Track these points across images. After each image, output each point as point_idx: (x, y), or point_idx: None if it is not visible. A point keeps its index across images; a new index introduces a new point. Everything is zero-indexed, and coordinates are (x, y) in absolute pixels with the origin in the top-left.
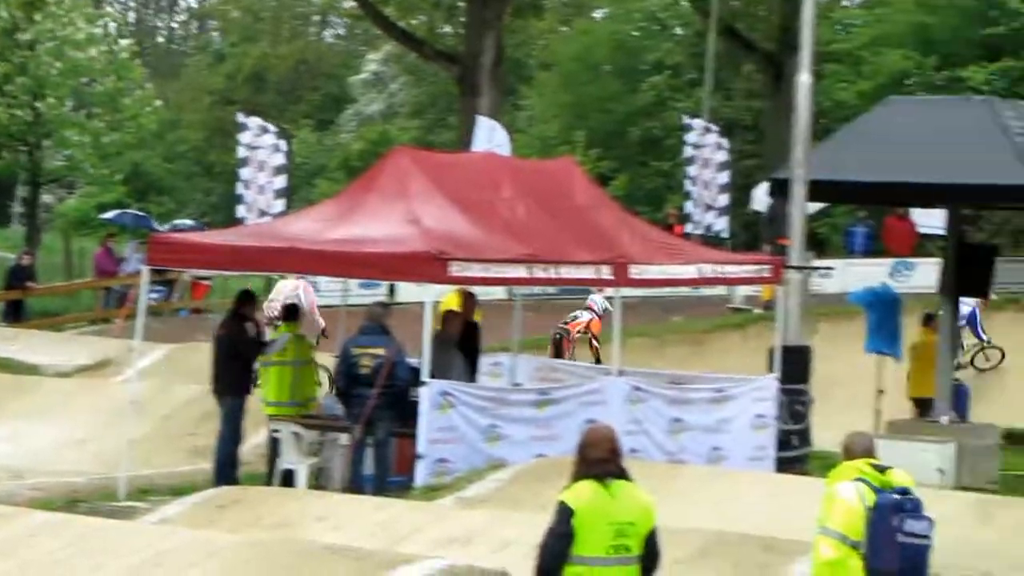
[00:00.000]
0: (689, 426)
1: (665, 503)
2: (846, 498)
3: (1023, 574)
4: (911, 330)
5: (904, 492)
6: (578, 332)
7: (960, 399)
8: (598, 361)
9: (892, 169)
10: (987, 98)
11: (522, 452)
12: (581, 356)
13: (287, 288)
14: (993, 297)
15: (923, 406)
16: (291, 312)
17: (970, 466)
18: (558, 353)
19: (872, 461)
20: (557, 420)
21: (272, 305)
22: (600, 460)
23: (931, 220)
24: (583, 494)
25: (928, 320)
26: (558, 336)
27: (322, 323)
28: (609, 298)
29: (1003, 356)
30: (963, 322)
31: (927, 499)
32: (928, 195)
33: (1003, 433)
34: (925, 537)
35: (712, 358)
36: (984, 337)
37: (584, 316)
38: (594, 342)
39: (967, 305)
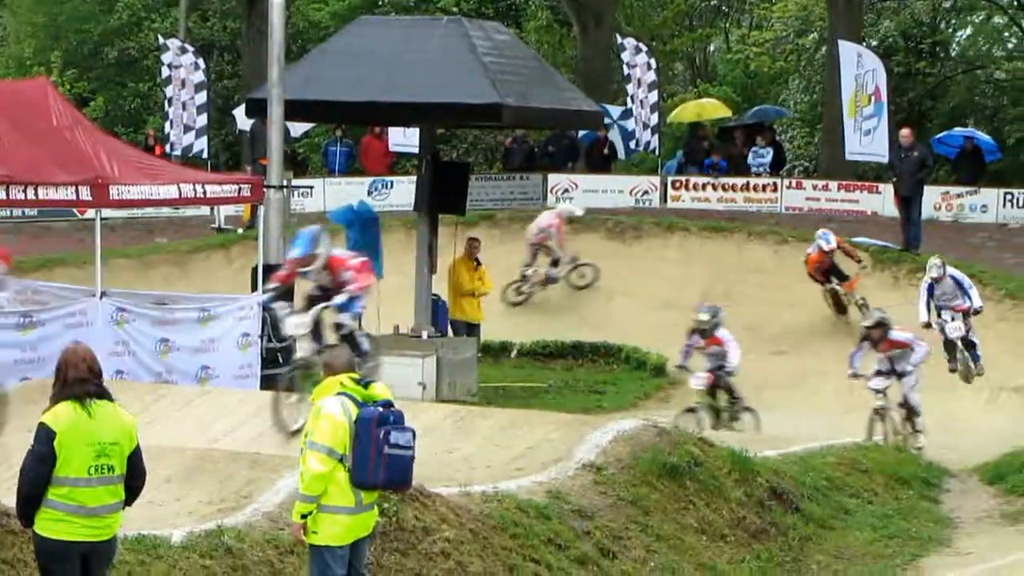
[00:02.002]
0: (176, 346)
1: (153, 423)
2: (331, 413)
3: (499, 480)
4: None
5: (387, 405)
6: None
7: (439, 313)
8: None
9: (365, 88)
10: (457, 18)
11: (8, 376)
12: None
13: None
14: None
15: (456, 328)
16: None
17: (450, 379)
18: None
19: (354, 376)
20: (42, 343)
21: None
22: (79, 380)
23: (407, 139)
24: (63, 415)
25: (469, 246)
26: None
27: None
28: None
29: (597, 274)
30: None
31: (409, 412)
32: (401, 114)
33: (480, 347)
34: (408, 448)
35: (197, 278)
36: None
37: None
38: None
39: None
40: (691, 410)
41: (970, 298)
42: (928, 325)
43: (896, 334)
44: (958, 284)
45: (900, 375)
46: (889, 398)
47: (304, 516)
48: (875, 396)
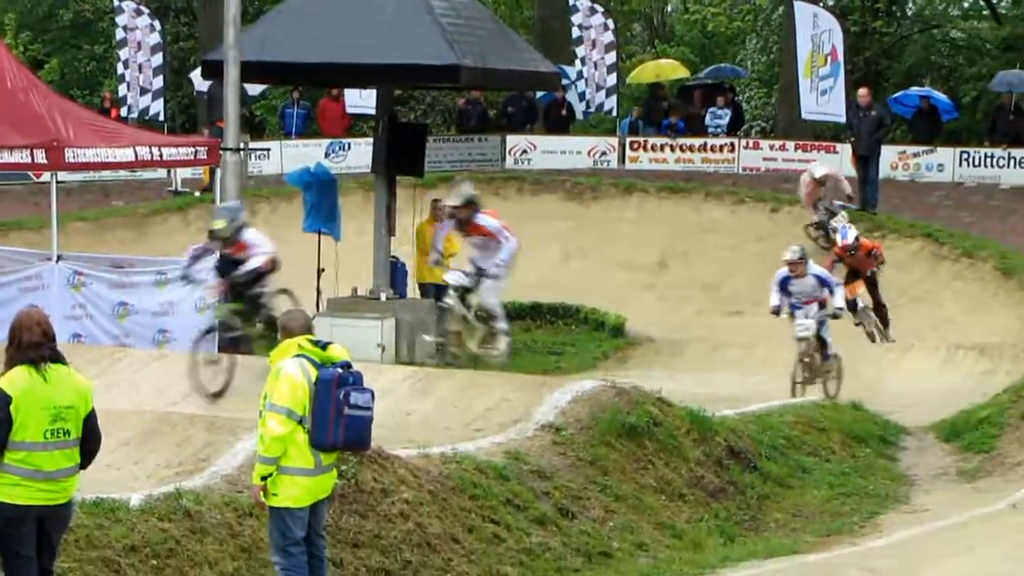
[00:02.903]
0: (135, 310)
1: (111, 387)
2: (291, 374)
3: (458, 442)
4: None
5: (345, 366)
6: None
7: (398, 275)
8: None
9: (322, 49)
10: None
11: None
12: None
13: None
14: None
15: (425, 291)
16: None
17: (408, 341)
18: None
19: (311, 338)
20: None
21: None
22: (33, 344)
23: (363, 100)
24: (18, 380)
25: (434, 207)
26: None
27: None
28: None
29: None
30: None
31: (368, 374)
32: (358, 75)
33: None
34: (368, 409)
35: (154, 242)
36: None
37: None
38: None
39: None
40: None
41: (833, 296)
42: (777, 311)
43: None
44: (822, 282)
45: None
46: None
47: (264, 478)
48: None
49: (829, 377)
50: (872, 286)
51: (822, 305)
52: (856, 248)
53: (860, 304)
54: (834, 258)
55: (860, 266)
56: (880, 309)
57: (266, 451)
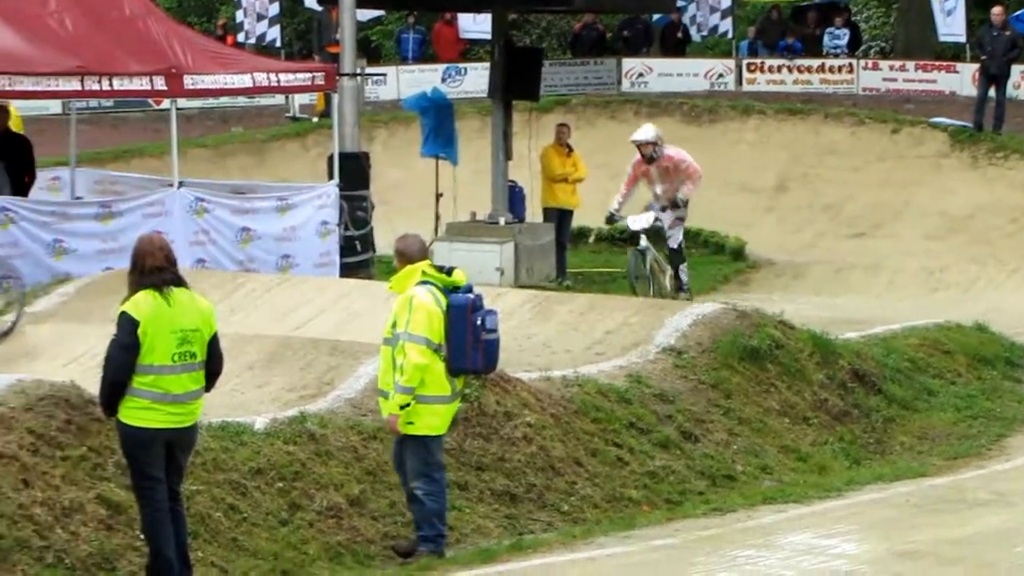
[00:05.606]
0: (257, 235)
1: (235, 311)
2: (425, 303)
3: (579, 365)
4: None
5: (468, 290)
6: None
7: (515, 200)
8: None
9: None
10: None
11: (90, 266)
12: None
13: None
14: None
15: (548, 215)
16: None
17: (527, 265)
18: None
19: (432, 263)
20: (122, 233)
21: None
22: (156, 269)
23: (477, 25)
24: (144, 304)
25: (559, 132)
26: None
27: None
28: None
29: None
30: None
31: (488, 297)
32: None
33: (573, 233)
34: (497, 331)
35: (274, 167)
36: None
37: None
38: None
39: None
40: None
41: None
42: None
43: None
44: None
45: None
46: None
47: (403, 407)
48: None
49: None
50: None
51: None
52: None
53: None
54: None
55: None
56: None
57: (407, 381)
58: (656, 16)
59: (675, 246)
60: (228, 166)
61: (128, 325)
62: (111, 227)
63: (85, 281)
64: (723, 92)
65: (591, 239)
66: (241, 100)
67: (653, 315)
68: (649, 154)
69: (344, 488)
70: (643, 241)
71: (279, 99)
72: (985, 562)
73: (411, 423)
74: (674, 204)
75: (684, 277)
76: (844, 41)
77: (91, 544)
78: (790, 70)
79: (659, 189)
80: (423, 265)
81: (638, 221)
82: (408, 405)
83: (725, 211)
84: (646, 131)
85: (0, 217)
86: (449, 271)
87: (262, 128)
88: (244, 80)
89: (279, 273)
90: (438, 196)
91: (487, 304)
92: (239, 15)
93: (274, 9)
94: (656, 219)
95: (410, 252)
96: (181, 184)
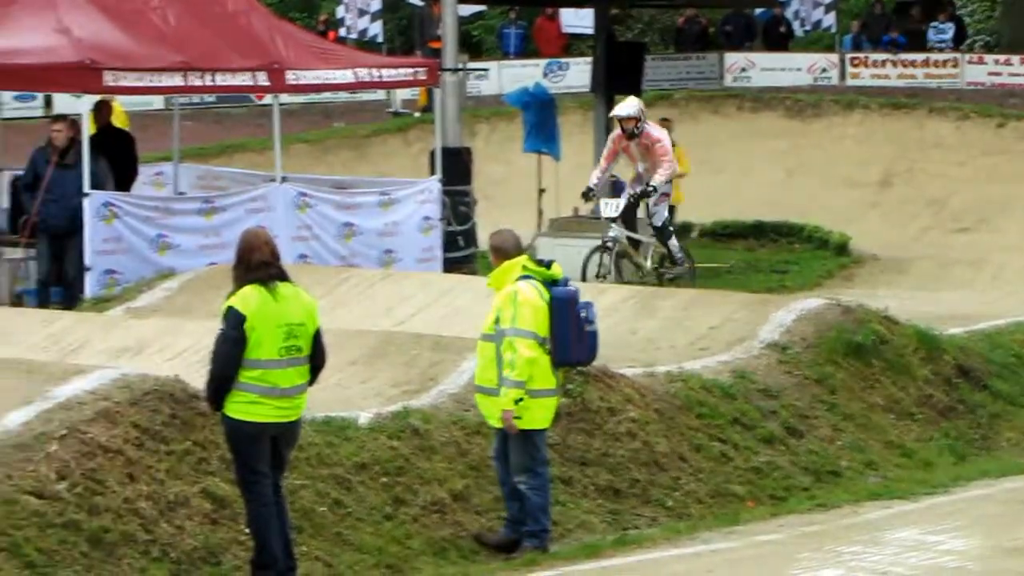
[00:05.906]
0: (360, 230)
1: (337, 306)
2: (530, 298)
3: (683, 361)
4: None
5: (566, 283)
6: None
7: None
8: None
9: None
10: None
11: (193, 261)
12: None
13: None
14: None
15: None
16: None
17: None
18: None
19: (530, 257)
20: (225, 228)
21: None
22: (262, 264)
23: (579, 20)
24: (251, 298)
25: (662, 126)
26: None
27: None
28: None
29: None
30: None
31: (590, 293)
32: None
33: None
34: (595, 323)
35: (376, 162)
36: None
37: None
38: None
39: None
40: None
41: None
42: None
43: None
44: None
45: None
46: None
47: (517, 401)
48: None
49: None
50: None
51: None
52: None
53: None
54: None
55: None
56: None
57: (518, 375)
58: (759, 10)
59: (659, 224)
60: (330, 161)
61: (235, 319)
62: (214, 222)
63: (188, 276)
64: (826, 87)
65: (694, 234)
66: (343, 95)
67: (757, 310)
68: (631, 130)
69: (448, 483)
70: (613, 229)
71: (381, 94)
72: None
73: (518, 417)
74: (645, 192)
75: (676, 252)
76: (949, 35)
77: (196, 538)
78: (894, 64)
79: (641, 167)
80: (522, 259)
81: (610, 206)
82: (522, 399)
83: (829, 206)
84: (628, 105)
85: (104, 212)
86: (548, 264)
87: (364, 123)
88: (346, 75)
89: (382, 268)
90: (541, 191)
91: (590, 299)
92: (340, 10)
93: (376, 4)
94: (631, 197)
95: (506, 247)
96: (284, 179)
